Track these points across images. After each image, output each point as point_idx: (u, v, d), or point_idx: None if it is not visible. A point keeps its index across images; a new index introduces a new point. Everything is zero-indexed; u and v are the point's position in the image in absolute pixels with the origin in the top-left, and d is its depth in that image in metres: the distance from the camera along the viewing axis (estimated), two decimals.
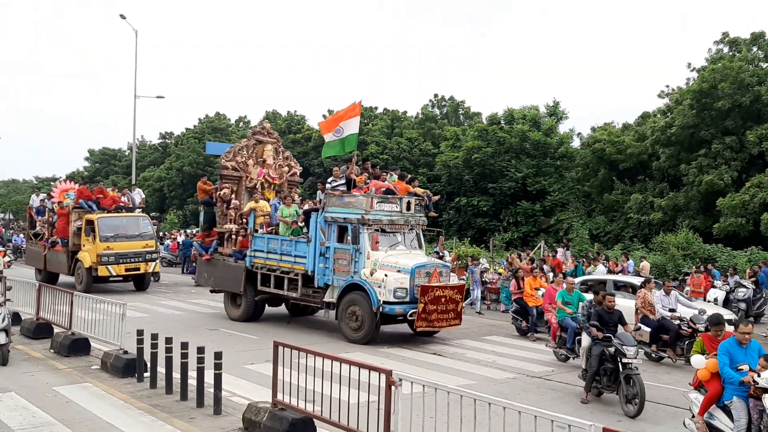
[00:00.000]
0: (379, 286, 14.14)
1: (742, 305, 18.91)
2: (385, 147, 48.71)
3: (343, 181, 15.82)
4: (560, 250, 24.18)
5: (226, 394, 9.32)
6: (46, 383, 10.29)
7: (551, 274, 18.69)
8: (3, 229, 43.80)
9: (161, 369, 10.06)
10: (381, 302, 14.04)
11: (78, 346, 12.29)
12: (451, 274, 16.33)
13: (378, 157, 47.84)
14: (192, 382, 9.42)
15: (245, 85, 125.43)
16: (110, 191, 24.48)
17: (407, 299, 14.19)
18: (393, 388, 6.47)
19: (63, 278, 24.38)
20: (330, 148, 16.96)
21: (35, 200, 27.13)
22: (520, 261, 21.44)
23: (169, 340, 10.04)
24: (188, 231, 40.81)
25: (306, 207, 16.66)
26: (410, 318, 14.14)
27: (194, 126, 68.21)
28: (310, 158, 50.47)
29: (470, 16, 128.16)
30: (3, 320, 11.32)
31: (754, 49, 33.26)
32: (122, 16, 36.64)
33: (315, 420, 7.70)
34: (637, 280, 16.39)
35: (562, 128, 42.57)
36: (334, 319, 15.29)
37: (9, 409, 8.87)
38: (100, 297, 12.50)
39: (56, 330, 13.09)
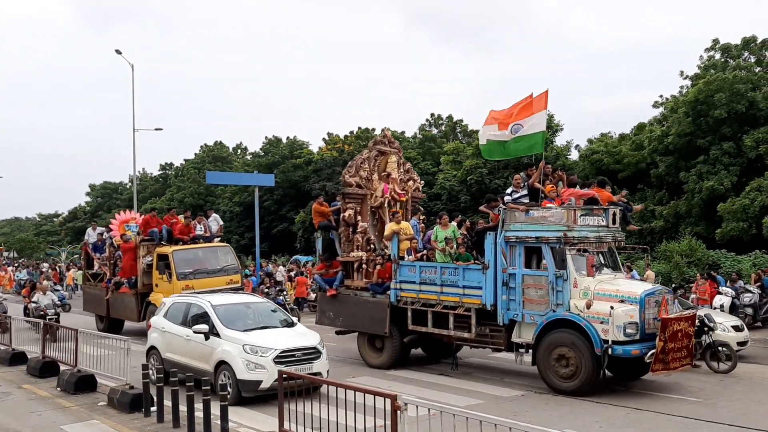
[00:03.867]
0: (602, 322, 11.11)
1: (749, 310, 18.84)
2: None
3: (525, 192, 12.89)
4: None
5: (233, 425, 9.29)
6: (53, 422, 10.27)
7: None
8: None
9: (167, 402, 10.03)
10: (607, 342, 11.02)
11: (84, 383, 12.22)
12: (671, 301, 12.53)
13: None
14: (198, 414, 9.40)
15: (243, 113, 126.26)
16: (182, 219, 20.42)
17: (637, 336, 11.20)
18: (399, 412, 6.46)
19: (130, 325, 20.61)
20: (499, 149, 13.91)
21: (92, 235, 22.97)
22: None
23: (173, 373, 10.03)
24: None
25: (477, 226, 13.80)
26: (648, 360, 11.08)
27: (194, 156, 68.65)
28: (311, 182, 50.70)
29: (462, 33, 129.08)
30: None
31: (746, 53, 33.49)
32: (118, 52, 36.89)
33: None
34: None
35: (559, 140, 42.68)
36: (531, 364, 12.13)
37: None
38: (105, 333, 12.49)
39: (62, 368, 13.07)
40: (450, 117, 56.93)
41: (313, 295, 26.46)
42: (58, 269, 42.98)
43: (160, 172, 77.56)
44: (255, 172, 48.92)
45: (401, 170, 16.49)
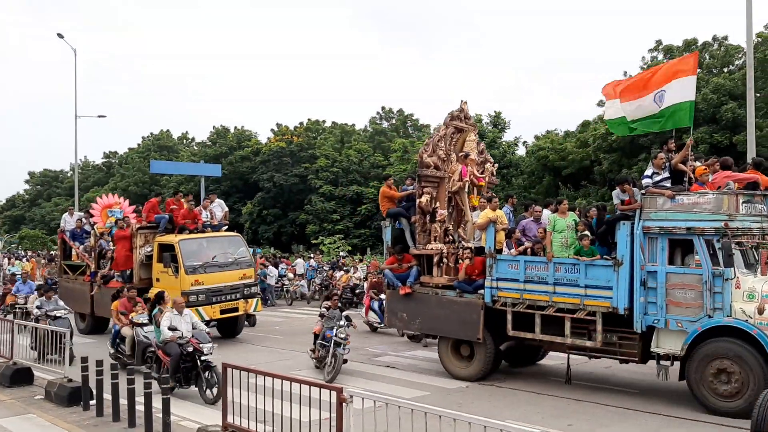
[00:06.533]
0: None
1: None
2: (335, 160, 48.79)
3: (667, 174, 10.67)
4: None
5: (175, 418, 9.12)
6: None
7: None
8: None
9: (108, 396, 9.81)
10: None
11: (20, 376, 11.89)
12: None
13: (328, 170, 47.95)
14: (140, 408, 9.21)
15: (189, 102, 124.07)
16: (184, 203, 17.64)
17: None
18: (344, 404, 6.45)
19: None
20: (628, 122, 11.82)
21: (69, 221, 20.16)
22: None
23: (114, 366, 9.82)
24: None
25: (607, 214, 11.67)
26: None
27: (138, 145, 67.21)
28: (258, 173, 50.20)
29: (413, 27, 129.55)
30: None
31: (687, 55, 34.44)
32: (60, 35, 35.87)
33: None
34: None
35: (507, 137, 43.36)
36: (680, 379, 10.27)
37: None
38: (43, 325, 12.13)
39: None
40: (401, 111, 57.22)
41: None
42: None
43: (104, 160, 75.73)
44: (201, 162, 48.17)
45: (477, 150, 14.38)
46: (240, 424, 7.76)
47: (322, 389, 6.80)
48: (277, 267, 28.12)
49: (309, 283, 27.64)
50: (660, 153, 11.00)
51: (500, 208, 12.71)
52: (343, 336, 12.47)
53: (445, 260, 12.88)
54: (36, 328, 13.09)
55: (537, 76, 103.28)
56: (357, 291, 24.25)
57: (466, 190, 13.61)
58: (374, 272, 19.95)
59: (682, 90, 10.97)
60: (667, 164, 10.72)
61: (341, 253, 35.59)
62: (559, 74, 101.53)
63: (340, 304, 14.20)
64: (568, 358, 11.88)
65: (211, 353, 10.96)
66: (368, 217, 45.96)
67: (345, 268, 27.33)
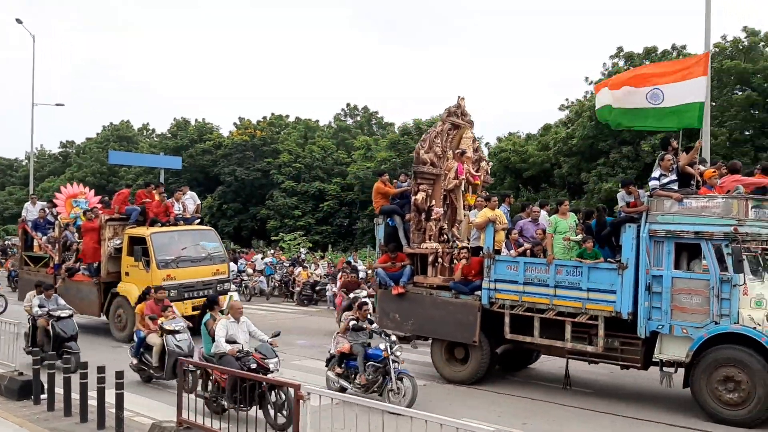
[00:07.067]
0: None
1: None
2: (298, 156, 48.56)
3: (675, 177, 10.46)
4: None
5: (129, 414, 8.98)
6: None
7: None
8: None
9: (59, 390, 9.61)
10: None
11: None
12: None
13: (291, 166, 47.69)
14: (93, 402, 9.05)
15: (149, 93, 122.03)
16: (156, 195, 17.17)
17: None
18: (302, 402, 6.42)
19: (85, 320, 17.42)
20: (628, 115, 11.26)
21: (31, 210, 19.28)
22: None
23: (67, 360, 9.62)
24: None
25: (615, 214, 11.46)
26: None
27: (97, 134, 65.92)
28: (219, 167, 49.67)
29: (380, 21, 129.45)
30: None
31: (647, 63, 35.23)
32: (18, 21, 35.01)
33: None
34: None
35: None
36: (684, 386, 10.13)
37: None
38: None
39: None
40: (366, 108, 57.15)
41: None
42: None
43: (60, 149, 74.07)
44: (162, 154, 47.46)
45: (473, 148, 14.09)
46: (195, 420, 7.68)
47: (280, 387, 6.77)
48: (236, 262, 27.87)
49: (268, 279, 27.47)
50: (667, 155, 10.60)
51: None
52: (399, 354, 10.51)
53: (440, 260, 12.55)
54: (35, 328, 12.64)
55: (500, 77, 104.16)
56: (317, 288, 24.24)
57: (462, 188, 13.42)
58: (347, 270, 19.77)
59: (692, 90, 10.59)
60: (674, 166, 10.47)
61: (302, 250, 35.47)
62: (521, 77, 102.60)
63: (370, 316, 11.94)
64: (567, 362, 11.69)
65: (277, 369, 9.32)
66: (330, 213, 45.85)
67: (304, 265, 27.27)
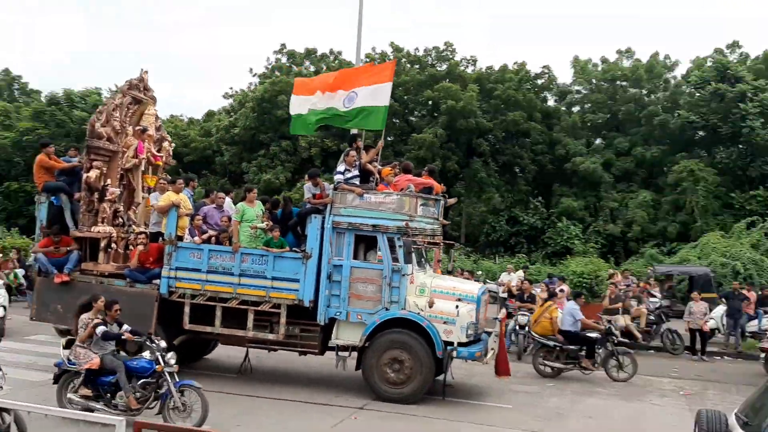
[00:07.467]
0: (445, 322, 10.32)
1: None
2: None
3: (357, 173, 11.08)
4: None
5: None
6: None
7: None
8: None
9: None
10: (452, 344, 10.26)
11: None
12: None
13: None
14: None
15: None
16: None
17: (473, 338, 10.66)
18: None
19: None
20: (315, 115, 12.04)
21: None
22: None
23: None
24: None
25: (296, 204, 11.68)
26: (485, 363, 10.97)
27: None
28: None
29: None
30: None
31: (308, 62, 37.52)
32: None
33: None
34: None
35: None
36: (356, 369, 10.81)
37: None
38: None
39: None
40: (7, 71, 48.71)
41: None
42: None
43: None
44: None
45: (155, 126, 13.33)
46: None
47: None
48: None
49: None
50: (351, 151, 11.36)
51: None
52: (174, 362, 8.57)
53: (113, 245, 11.82)
54: None
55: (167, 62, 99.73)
56: None
57: (142, 168, 12.65)
58: None
59: (377, 95, 11.52)
60: (357, 162, 11.19)
61: None
62: (184, 63, 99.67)
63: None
64: (247, 351, 11.76)
65: (1, 387, 7.46)
66: None
67: None
